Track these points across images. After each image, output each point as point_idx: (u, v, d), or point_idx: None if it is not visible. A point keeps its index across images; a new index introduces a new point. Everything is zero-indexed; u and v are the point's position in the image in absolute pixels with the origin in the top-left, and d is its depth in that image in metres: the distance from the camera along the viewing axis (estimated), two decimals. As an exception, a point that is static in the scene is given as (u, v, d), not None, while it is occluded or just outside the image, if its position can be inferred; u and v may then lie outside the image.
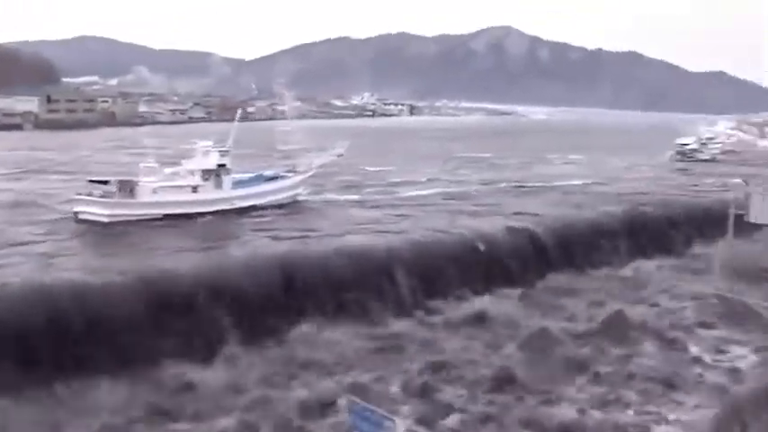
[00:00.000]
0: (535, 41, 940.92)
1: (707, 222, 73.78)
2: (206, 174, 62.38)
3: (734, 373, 38.78)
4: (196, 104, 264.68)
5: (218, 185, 63.16)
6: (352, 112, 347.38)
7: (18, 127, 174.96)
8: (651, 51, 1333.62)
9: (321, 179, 79.51)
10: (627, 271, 59.85)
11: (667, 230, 70.03)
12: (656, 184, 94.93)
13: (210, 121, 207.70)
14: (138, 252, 48.53)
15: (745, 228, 54.73)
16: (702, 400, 35.05)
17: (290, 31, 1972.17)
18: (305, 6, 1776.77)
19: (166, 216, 58.31)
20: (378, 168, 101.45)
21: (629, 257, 62.63)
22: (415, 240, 54.39)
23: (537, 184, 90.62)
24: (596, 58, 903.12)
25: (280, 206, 66.05)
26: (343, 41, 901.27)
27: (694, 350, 42.32)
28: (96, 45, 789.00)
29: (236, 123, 68.25)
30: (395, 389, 35.79)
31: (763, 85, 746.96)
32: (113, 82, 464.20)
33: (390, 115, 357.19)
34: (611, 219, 68.24)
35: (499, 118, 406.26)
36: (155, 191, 59.70)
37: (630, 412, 34.03)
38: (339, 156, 74.41)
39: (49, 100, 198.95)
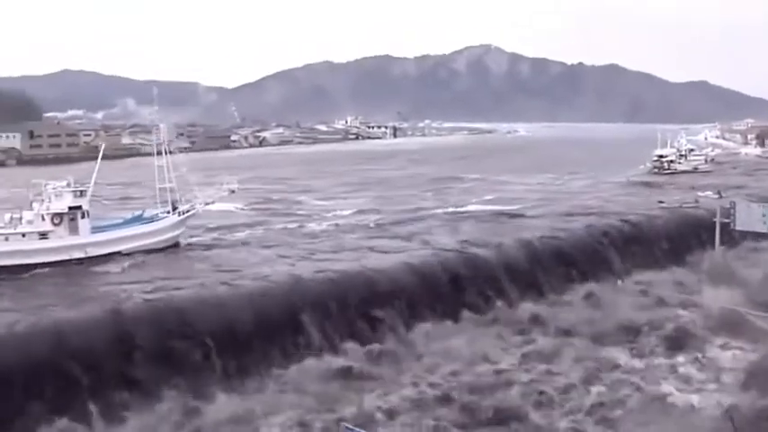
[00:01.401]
0: (515, 58, 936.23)
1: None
2: (57, 218, 53.23)
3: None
4: (180, 134, 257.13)
5: (74, 230, 53.86)
6: (337, 136, 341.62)
7: (0, 164, 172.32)
8: (632, 64, 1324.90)
9: (224, 217, 72.06)
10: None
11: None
12: (610, 203, 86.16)
13: (193, 150, 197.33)
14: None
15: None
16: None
17: (272, 56, 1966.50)
18: (284, 31, 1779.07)
19: (3, 268, 49.74)
20: (307, 199, 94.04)
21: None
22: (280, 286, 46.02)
23: (475, 210, 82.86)
24: (577, 73, 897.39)
25: (152, 251, 56.49)
26: (324, 65, 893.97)
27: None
28: (79, 78, 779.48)
29: (98, 160, 58.64)
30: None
31: (748, 94, 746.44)
32: (99, 115, 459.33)
33: (375, 138, 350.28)
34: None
35: (481, 137, 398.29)
36: None
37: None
38: (231, 192, 65.40)
39: (31, 136, 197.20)
